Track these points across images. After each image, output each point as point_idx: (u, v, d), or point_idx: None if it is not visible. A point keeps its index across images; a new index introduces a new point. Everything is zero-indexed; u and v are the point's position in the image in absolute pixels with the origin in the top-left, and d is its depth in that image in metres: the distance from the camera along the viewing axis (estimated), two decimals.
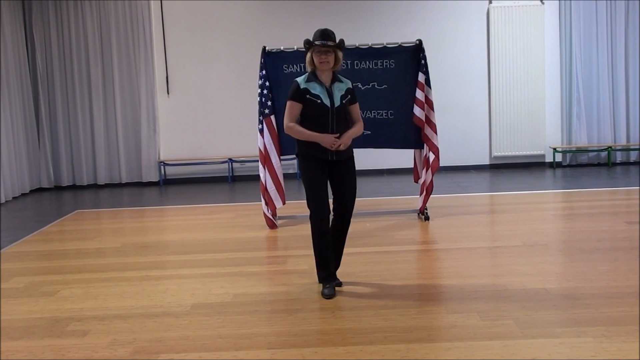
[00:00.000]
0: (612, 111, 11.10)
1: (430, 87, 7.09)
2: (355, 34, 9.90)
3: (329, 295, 4.73)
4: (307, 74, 4.87)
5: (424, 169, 7.16)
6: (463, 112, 11.14)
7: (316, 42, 4.71)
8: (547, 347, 3.70)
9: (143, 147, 11.23)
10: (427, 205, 7.30)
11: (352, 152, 4.98)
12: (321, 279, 4.88)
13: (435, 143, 7.06)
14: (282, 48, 7.19)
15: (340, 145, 4.75)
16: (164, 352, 3.88)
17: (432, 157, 7.04)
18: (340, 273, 5.07)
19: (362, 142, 7.06)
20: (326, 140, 4.73)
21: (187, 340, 4.04)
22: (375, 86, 7.18)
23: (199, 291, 5.03)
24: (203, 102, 11.30)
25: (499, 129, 11.17)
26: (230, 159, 11.24)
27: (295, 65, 7.11)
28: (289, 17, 10.99)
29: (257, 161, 7.28)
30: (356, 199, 4.95)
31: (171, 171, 11.46)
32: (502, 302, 4.48)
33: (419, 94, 7.03)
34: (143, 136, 11.21)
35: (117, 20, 11.08)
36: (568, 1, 10.94)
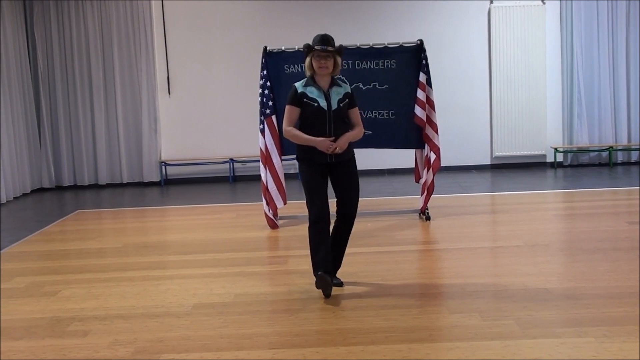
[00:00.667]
0: (613, 111, 11.09)
1: (431, 87, 7.09)
2: (356, 34, 9.91)
3: (322, 285, 4.70)
4: (305, 78, 4.92)
5: (425, 169, 7.16)
6: (464, 112, 11.13)
7: (316, 47, 4.74)
8: (549, 347, 3.70)
9: (144, 147, 11.24)
10: (428, 205, 7.30)
11: (353, 154, 4.99)
12: (317, 284, 4.86)
13: (437, 143, 7.06)
14: (283, 48, 7.19)
15: (336, 148, 4.76)
16: (165, 352, 3.88)
17: (433, 157, 7.04)
18: (342, 273, 5.08)
19: (363, 142, 7.04)
20: (322, 144, 4.75)
21: (189, 340, 4.04)
22: (377, 86, 7.18)
23: (200, 291, 5.03)
24: (204, 102, 11.31)
25: (500, 129, 11.17)
26: (231, 159, 11.25)
27: (296, 65, 7.11)
28: (290, 17, 10.99)
29: (258, 161, 7.28)
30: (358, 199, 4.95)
31: (172, 171, 11.47)
32: (504, 302, 4.48)
33: (420, 94, 7.03)
34: (144, 136, 11.22)
35: (119, 20, 11.09)
36: (569, 1, 10.93)
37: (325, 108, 4.79)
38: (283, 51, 7.18)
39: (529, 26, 10.95)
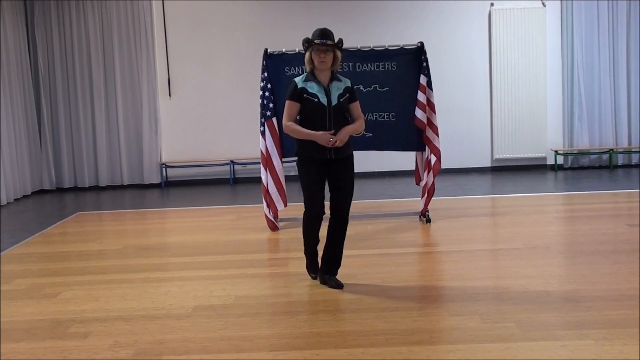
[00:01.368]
0: (613, 113, 11.09)
1: (431, 89, 7.09)
2: (357, 35, 9.90)
3: (315, 276, 5.14)
4: (305, 73, 4.94)
5: (426, 171, 7.16)
6: (465, 115, 11.13)
7: (315, 41, 4.74)
8: (549, 350, 3.70)
9: (145, 149, 11.24)
10: (428, 207, 7.30)
11: (352, 151, 5.00)
12: (311, 270, 5.19)
13: (437, 145, 7.07)
14: (283, 50, 7.20)
15: (336, 141, 4.76)
16: (165, 354, 3.88)
17: (433, 159, 7.04)
18: (342, 275, 5.08)
19: (364, 144, 7.09)
20: (322, 137, 4.76)
21: (189, 343, 4.04)
22: (377, 88, 7.19)
23: (201, 293, 5.04)
24: (205, 104, 11.31)
25: (501, 131, 11.17)
26: (231, 161, 11.25)
27: (296, 67, 7.12)
28: (290, 18, 11.00)
29: (259, 163, 7.28)
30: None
31: (173, 173, 11.47)
32: (504, 304, 4.48)
33: (421, 96, 7.03)
34: (145, 138, 11.22)
35: (119, 22, 11.09)
36: (570, 1, 10.94)
37: (326, 103, 4.81)
38: (284, 53, 7.19)
39: (529, 28, 10.96)
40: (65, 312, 4.72)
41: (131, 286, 5.31)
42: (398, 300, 4.66)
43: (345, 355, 3.75)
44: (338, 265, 5.06)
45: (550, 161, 11.26)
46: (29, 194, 10.85)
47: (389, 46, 7.21)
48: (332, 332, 4.13)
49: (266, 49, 7.19)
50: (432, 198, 7.26)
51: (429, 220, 7.26)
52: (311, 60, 4.83)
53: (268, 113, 7.05)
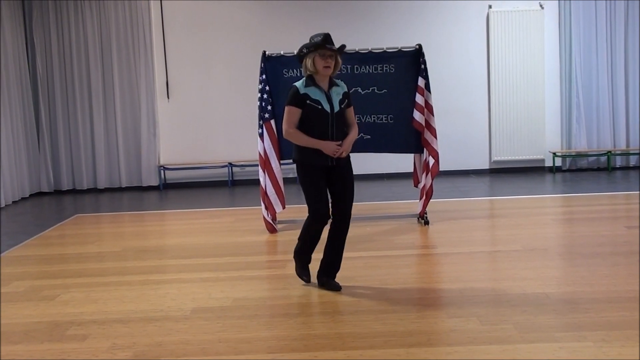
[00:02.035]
0: (611, 116, 11.10)
1: (430, 91, 7.10)
2: (355, 37, 9.90)
3: (308, 279, 5.12)
4: (304, 79, 4.85)
5: (424, 174, 7.17)
6: (463, 117, 11.14)
7: (327, 46, 4.69)
8: (547, 352, 3.71)
9: (143, 151, 11.24)
10: (426, 209, 7.31)
11: (349, 155, 4.99)
12: (303, 274, 5.16)
13: (435, 147, 7.08)
14: (282, 53, 7.20)
15: (342, 152, 4.77)
16: (164, 357, 3.88)
17: (431, 161, 7.05)
18: (340, 277, 5.08)
19: (362, 146, 7.08)
20: (329, 147, 4.74)
21: (188, 345, 4.04)
22: (375, 91, 7.19)
23: (199, 295, 5.03)
24: (203, 106, 11.31)
25: (499, 134, 11.18)
26: (230, 163, 11.25)
27: (295, 70, 7.12)
28: (289, 21, 11.01)
29: (257, 165, 7.28)
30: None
31: (171, 175, 11.46)
32: (502, 306, 4.48)
33: (419, 99, 7.04)
34: (143, 140, 11.22)
35: (117, 24, 11.09)
36: (568, 2, 10.96)
37: (329, 110, 4.78)
38: (282, 56, 7.19)
39: (527, 30, 10.98)
40: (64, 315, 4.71)
41: (129, 288, 5.31)
42: (396, 303, 4.66)
43: (343, 357, 3.75)
44: (338, 268, 5.06)
45: (548, 163, 11.27)
46: (27, 196, 10.84)
47: (387, 48, 7.21)
48: (330, 334, 4.13)
49: (264, 52, 7.20)
50: (431, 200, 7.26)
51: (427, 222, 7.27)
52: (312, 65, 4.75)
53: (266, 115, 7.05)
